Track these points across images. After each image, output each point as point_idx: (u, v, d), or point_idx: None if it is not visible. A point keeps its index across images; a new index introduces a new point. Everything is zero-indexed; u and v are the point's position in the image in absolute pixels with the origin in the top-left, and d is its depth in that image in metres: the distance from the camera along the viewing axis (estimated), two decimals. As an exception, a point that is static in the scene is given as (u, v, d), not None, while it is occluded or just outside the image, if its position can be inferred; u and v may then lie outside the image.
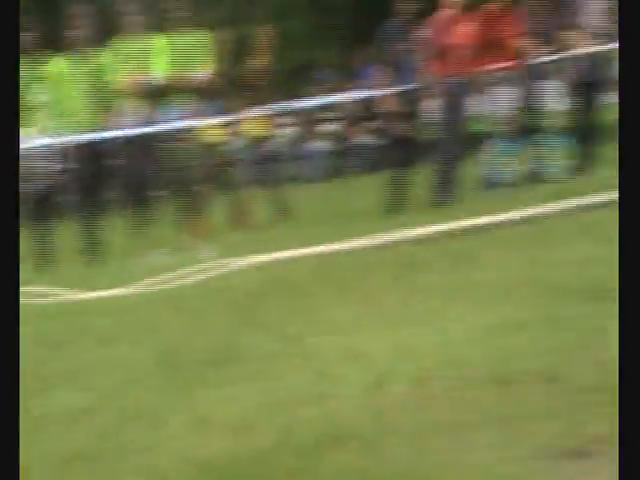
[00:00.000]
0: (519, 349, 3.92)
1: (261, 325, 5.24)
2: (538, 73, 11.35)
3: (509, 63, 10.93)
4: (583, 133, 11.23)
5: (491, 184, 11.08)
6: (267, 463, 2.94)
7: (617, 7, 4.36)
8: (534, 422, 3.06)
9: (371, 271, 6.59)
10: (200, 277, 7.32)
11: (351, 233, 8.09)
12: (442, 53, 10.60)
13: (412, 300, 5.33)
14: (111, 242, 10.39)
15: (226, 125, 12.65)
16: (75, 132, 10.11)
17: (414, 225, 8.02)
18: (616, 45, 9.77)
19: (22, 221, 7.48)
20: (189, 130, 10.54)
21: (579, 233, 6.88)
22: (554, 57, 11.06)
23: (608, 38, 10.54)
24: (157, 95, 10.18)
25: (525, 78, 11.18)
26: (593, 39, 10.93)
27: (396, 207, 10.57)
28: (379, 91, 11.27)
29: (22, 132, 8.64)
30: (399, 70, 10.87)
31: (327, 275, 6.66)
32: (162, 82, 10.08)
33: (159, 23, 10.62)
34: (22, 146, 8.48)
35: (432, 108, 11.32)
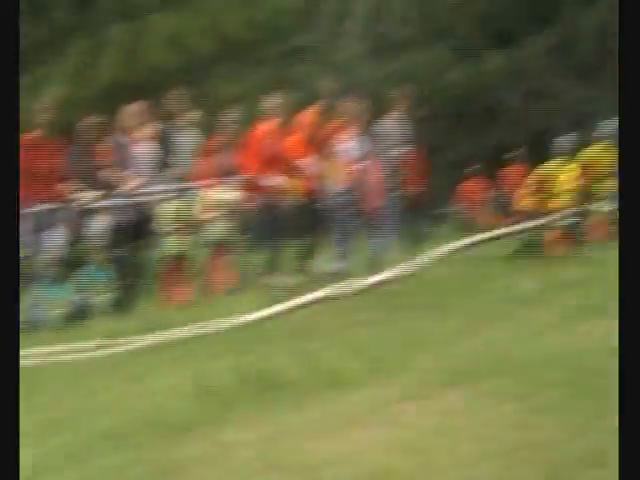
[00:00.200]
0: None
1: None
2: (83, 210, 11.54)
3: (52, 198, 11.18)
4: (127, 269, 11.61)
5: (36, 321, 10.81)
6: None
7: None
8: None
9: None
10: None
11: None
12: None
13: None
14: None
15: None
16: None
17: None
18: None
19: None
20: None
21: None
22: (100, 195, 11.43)
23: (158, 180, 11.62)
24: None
25: (70, 214, 11.46)
26: (141, 181, 11.60)
27: None
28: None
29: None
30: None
31: None
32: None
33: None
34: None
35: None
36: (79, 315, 11.09)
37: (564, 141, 13.85)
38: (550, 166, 13.71)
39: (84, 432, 5.15)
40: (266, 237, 12.13)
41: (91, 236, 11.82)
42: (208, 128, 12.54)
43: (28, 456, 4.33)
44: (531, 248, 12.90)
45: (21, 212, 8.44)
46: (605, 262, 9.37)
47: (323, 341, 7.21)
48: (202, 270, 12.12)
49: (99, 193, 11.46)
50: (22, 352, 5.81)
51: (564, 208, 13.22)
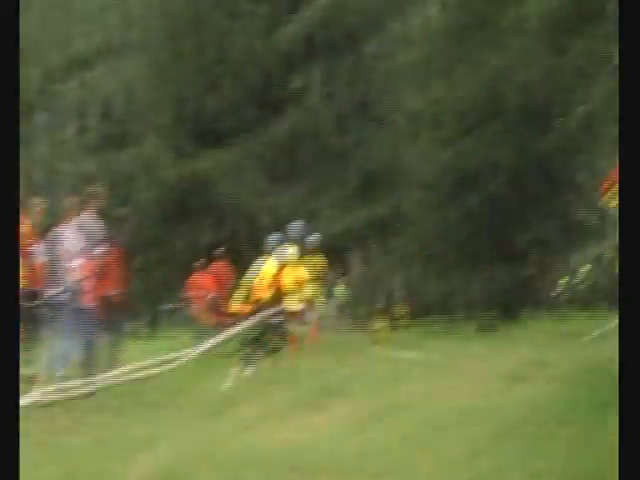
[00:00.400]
0: None
1: None
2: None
3: None
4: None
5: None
6: None
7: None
8: None
9: None
10: None
11: None
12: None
13: None
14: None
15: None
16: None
17: None
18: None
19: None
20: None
21: None
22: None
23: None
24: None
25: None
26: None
27: None
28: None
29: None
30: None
31: None
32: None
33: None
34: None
35: None
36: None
37: (272, 240, 14.11)
38: (257, 265, 14.04)
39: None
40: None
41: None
42: None
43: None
44: (253, 346, 13.27)
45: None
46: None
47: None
48: None
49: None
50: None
51: (269, 307, 13.71)
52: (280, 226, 22.37)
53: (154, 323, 50.77)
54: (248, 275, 14.29)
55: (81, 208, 13.37)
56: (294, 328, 19.43)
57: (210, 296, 20.60)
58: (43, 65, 23.67)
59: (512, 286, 40.96)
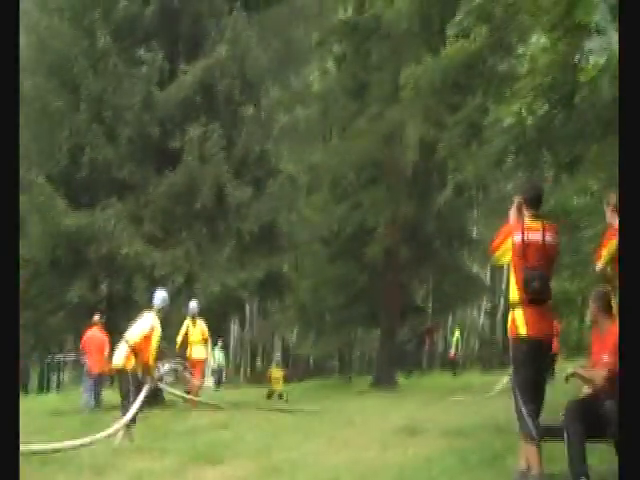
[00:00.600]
0: None
1: None
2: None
3: None
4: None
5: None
6: None
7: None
8: None
9: None
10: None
11: None
12: None
13: None
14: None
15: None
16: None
17: None
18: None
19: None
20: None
21: None
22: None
23: None
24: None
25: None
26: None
27: None
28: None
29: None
30: None
31: None
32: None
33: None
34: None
35: None
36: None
37: (157, 297, 14.04)
38: (141, 322, 13.99)
39: None
40: None
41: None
42: None
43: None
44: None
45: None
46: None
47: None
48: None
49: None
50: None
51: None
52: (157, 285, 22.34)
53: (44, 375, 49.40)
54: (129, 332, 14.03)
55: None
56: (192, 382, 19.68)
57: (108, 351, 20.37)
58: None
59: (406, 343, 41.57)
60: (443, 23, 14.58)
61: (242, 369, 55.76)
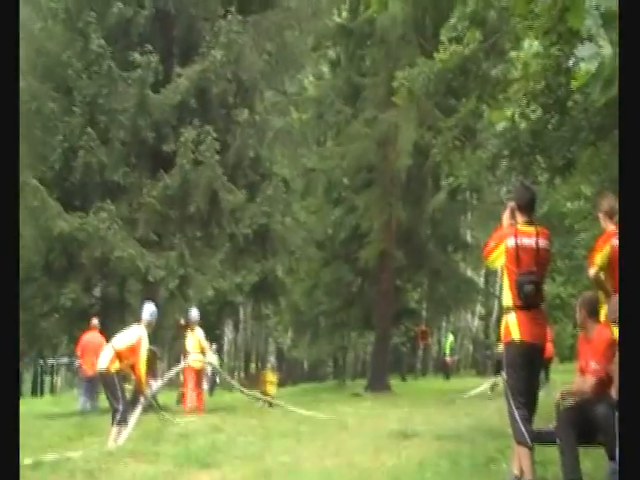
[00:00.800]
0: None
1: None
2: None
3: None
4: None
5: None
6: None
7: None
8: None
9: None
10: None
11: None
12: None
13: None
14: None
15: None
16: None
17: None
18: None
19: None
20: None
21: None
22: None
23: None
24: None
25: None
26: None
27: None
28: None
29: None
30: None
31: None
32: None
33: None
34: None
35: None
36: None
37: (146, 310, 14.02)
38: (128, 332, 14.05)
39: None
40: None
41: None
42: None
43: None
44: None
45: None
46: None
47: None
48: None
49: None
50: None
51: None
52: (150, 288, 22.35)
53: (37, 378, 49.42)
54: (115, 338, 14.01)
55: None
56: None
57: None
58: None
59: (400, 347, 41.66)
60: (437, 28, 14.60)
61: (236, 372, 55.76)
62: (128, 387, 15.71)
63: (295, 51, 24.95)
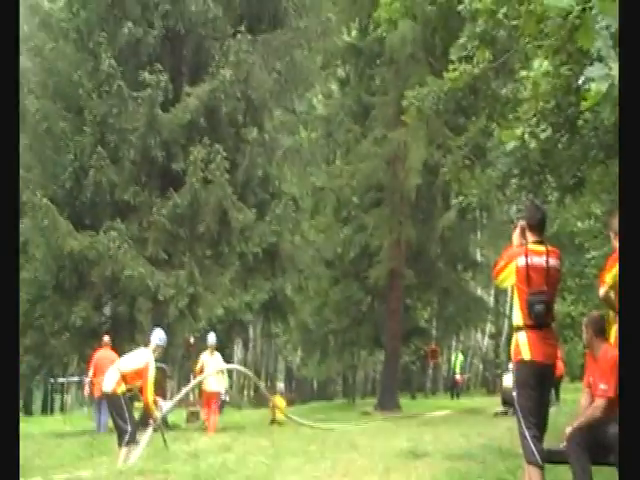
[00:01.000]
0: None
1: None
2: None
3: None
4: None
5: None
6: None
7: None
8: None
9: None
10: None
11: None
12: None
13: None
14: None
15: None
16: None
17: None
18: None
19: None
20: None
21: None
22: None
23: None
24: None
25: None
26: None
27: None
28: None
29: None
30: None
31: None
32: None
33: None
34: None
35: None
36: None
37: (155, 335, 14.01)
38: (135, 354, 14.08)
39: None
40: None
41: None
42: None
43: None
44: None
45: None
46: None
47: None
48: None
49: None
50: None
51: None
52: (160, 306, 22.38)
53: (47, 397, 49.31)
54: (122, 360, 14.01)
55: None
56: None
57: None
58: None
59: (410, 366, 41.58)
60: (446, 47, 14.63)
61: (245, 391, 55.67)
62: (138, 405, 15.73)
63: (304, 70, 25.03)
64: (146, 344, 14.21)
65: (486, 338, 54.93)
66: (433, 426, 17.73)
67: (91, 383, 20.60)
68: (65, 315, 21.94)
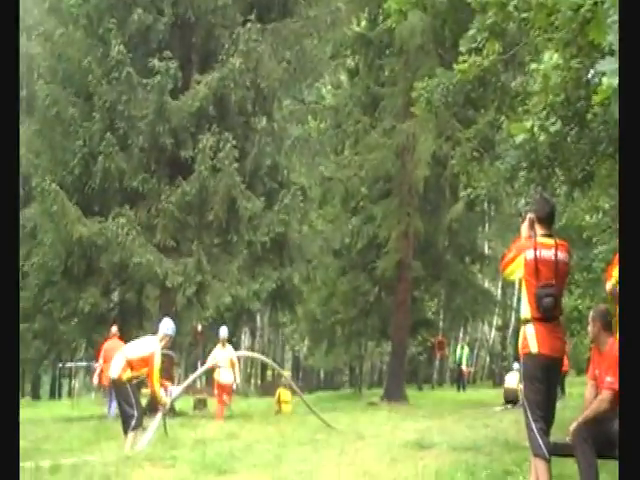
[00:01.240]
0: None
1: None
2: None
3: None
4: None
5: None
6: None
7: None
8: None
9: None
10: None
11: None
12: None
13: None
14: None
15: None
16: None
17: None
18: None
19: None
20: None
21: None
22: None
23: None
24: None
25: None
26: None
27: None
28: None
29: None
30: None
31: None
32: None
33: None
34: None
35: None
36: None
37: (164, 325, 14.03)
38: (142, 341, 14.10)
39: None
40: None
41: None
42: None
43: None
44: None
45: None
46: None
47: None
48: None
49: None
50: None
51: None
52: (168, 294, 22.43)
53: (55, 382, 49.46)
54: (128, 346, 14.03)
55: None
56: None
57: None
58: None
59: (417, 357, 41.64)
60: (456, 39, 14.59)
61: (252, 380, 55.81)
62: (145, 392, 15.78)
63: (314, 60, 25.01)
64: (154, 332, 14.25)
65: (493, 331, 54.97)
66: (439, 417, 17.75)
67: (100, 372, 20.68)
68: (73, 301, 22.03)
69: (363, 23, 30.74)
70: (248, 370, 54.99)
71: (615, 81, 4.38)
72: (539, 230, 7.67)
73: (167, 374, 16.93)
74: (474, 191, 14.71)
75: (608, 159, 11.53)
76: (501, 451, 10.78)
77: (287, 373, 31.00)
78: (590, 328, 7.93)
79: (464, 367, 40.01)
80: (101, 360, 20.50)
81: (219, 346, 20.60)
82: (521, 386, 7.69)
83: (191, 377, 19.49)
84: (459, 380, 39.82)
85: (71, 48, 22.86)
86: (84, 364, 33.56)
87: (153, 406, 14.71)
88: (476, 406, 21.84)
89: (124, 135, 22.27)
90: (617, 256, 7.60)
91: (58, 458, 11.11)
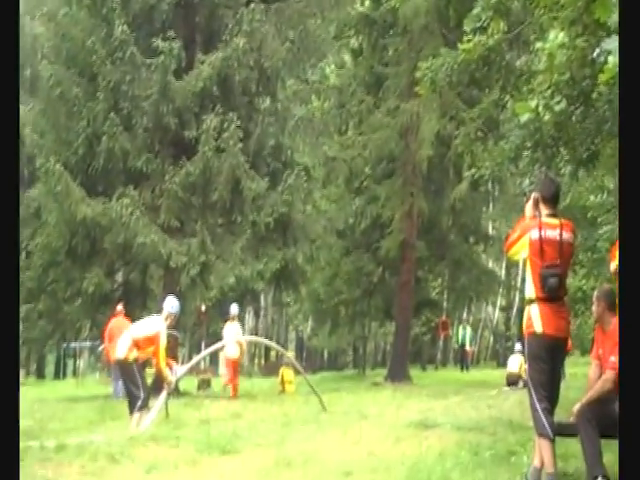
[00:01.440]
0: None
1: None
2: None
3: None
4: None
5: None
6: None
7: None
8: None
9: None
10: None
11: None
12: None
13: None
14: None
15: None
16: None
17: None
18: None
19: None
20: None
21: None
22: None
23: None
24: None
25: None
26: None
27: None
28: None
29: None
30: None
31: None
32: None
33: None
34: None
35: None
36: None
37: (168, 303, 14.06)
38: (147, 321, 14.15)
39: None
40: None
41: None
42: None
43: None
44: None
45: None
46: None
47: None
48: None
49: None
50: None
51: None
52: (172, 274, 22.46)
53: (60, 362, 49.64)
54: (134, 326, 14.05)
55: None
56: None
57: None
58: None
59: (421, 337, 41.70)
60: (460, 18, 14.51)
61: (256, 360, 55.92)
62: (150, 371, 15.81)
63: (317, 39, 24.92)
64: (158, 311, 14.27)
65: (497, 311, 55.01)
66: (443, 398, 17.78)
67: (106, 350, 20.72)
68: (78, 281, 22.08)
69: (367, 3, 30.62)
70: (252, 350, 55.08)
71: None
72: (544, 210, 7.65)
73: (172, 354, 16.96)
74: (478, 171, 14.67)
75: (613, 138, 11.48)
76: (505, 431, 10.80)
77: (290, 353, 31.06)
78: (594, 308, 7.92)
79: (467, 347, 40.07)
80: (106, 338, 20.58)
81: (228, 323, 20.91)
82: (525, 367, 7.67)
83: (201, 354, 19.56)
84: (462, 360, 39.87)
85: (75, 28, 22.78)
86: (88, 344, 33.58)
87: (158, 385, 14.72)
88: (480, 386, 21.85)
89: (128, 115, 22.24)
90: None
91: (63, 437, 11.14)
